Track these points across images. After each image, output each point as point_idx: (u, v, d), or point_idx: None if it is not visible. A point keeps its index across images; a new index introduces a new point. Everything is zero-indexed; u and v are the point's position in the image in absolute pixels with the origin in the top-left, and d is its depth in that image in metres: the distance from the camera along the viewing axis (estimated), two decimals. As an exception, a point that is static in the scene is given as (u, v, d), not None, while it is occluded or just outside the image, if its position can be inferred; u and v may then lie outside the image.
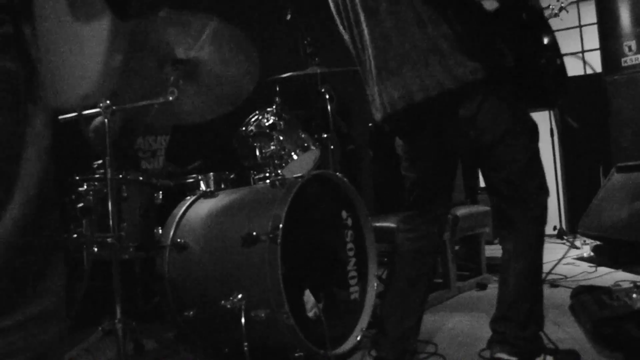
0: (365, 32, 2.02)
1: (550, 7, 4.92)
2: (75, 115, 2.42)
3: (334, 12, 2.19)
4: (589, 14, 5.77)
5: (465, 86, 1.88)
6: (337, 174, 2.68)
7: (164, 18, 2.35)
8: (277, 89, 2.96)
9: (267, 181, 2.61)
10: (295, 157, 2.83)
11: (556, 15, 4.89)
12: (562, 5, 4.86)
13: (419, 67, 1.91)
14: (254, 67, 2.57)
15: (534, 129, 2.04)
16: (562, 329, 2.55)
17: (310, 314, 2.34)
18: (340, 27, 2.19)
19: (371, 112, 2.13)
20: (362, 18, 2.02)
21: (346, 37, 2.18)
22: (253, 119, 2.89)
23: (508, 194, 2.04)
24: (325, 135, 3.28)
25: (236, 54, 2.53)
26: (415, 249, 2.21)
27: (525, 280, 2.05)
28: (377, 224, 3.19)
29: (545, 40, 1.93)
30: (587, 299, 2.63)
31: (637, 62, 4.92)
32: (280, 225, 2.23)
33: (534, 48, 1.93)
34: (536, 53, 1.92)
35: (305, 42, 3.60)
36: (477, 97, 1.91)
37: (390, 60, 1.97)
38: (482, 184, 4.86)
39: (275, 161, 2.76)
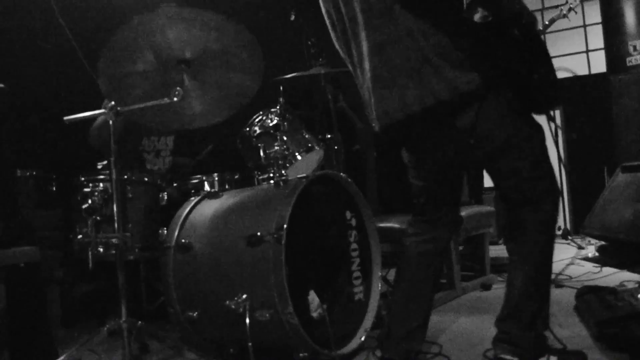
0: (363, 44, 2.04)
1: (560, 8, 4.92)
2: (80, 117, 2.42)
3: (329, 27, 2.21)
4: (594, 13, 5.76)
5: (460, 96, 1.88)
6: (341, 174, 2.68)
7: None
8: (281, 89, 2.97)
9: (271, 181, 2.62)
10: (299, 157, 2.83)
11: (565, 16, 4.90)
12: (571, 6, 4.86)
13: (413, 79, 1.92)
14: (259, 67, 2.58)
15: (537, 132, 2.03)
16: (567, 329, 2.54)
17: (315, 314, 2.34)
18: (336, 43, 2.20)
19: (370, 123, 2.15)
20: (358, 31, 2.04)
21: (342, 53, 2.19)
22: (257, 120, 2.89)
23: (518, 199, 2.04)
24: (329, 136, 3.28)
25: (241, 53, 2.54)
26: (423, 251, 2.21)
27: (534, 282, 2.05)
28: (381, 225, 3.19)
29: (538, 58, 1.94)
30: (592, 299, 2.63)
31: (641, 61, 4.92)
32: (285, 226, 2.23)
33: (525, 63, 1.92)
34: (528, 68, 1.92)
35: (309, 42, 3.60)
36: (473, 107, 1.92)
37: (384, 73, 1.98)
38: (486, 184, 4.87)
39: (279, 161, 2.76)
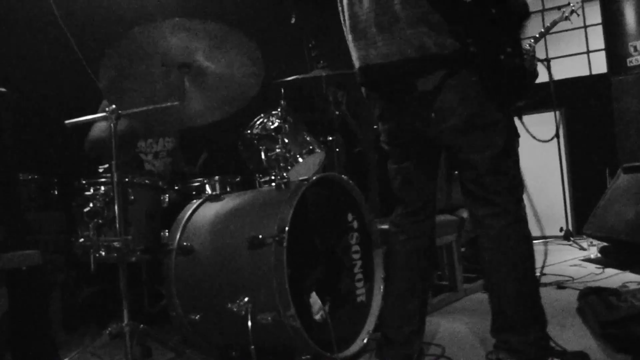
0: None
1: (562, 10, 4.93)
2: (81, 120, 2.43)
3: None
4: (594, 14, 5.76)
5: (428, 57, 1.86)
6: (343, 176, 2.68)
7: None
8: (282, 92, 2.97)
9: (273, 184, 2.62)
10: (300, 159, 2.83)
11: (567, 18, 4.90)
12: (573, 8, 4.86)
13: (384, 34, 1.92)
14: (259, 71, 2.58)
15: (507, 124, 1.97)
16: (569, 330, 2.54)
17: (317, 317, 2.34)
18: None
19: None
20: None
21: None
22: (258, 122, 2.90)
23: (478, 194, 1.99)
24: (330, 138, 3.28)
25: (242, 57, 2.54)
26: (408, 251, 2.19)
27: (517, 287, 1.98)
28: (383, 227, 3.19)
29: (508, 39, 1.90)
30: (594, 300, 2.62)
31: (642, 62, 4.92)
32: (286, 228, 2.23)
33: (495, 43, 1.89)
34: (497, 48, 1.88)
35: (310, 45, 3.61)
36: (439, 72, 1.88)
37: (359, 24, 2.00)
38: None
39: (281, 164, 2.76)
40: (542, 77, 5.10)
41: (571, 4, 4.90)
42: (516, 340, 1.99)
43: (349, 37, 2.11)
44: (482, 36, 1.88)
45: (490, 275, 2.05)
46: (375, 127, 4.27)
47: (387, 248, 2.30)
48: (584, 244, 4.81)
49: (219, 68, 2.57)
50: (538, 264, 2.13)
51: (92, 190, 2.63)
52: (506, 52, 1.88)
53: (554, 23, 4.94)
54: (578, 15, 5.01)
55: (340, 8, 2.16)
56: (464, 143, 1.96)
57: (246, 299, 2.25)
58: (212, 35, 2.42)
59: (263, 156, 2.83)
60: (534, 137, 4.86)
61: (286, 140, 2.80)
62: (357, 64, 2.08)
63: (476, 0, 1.86)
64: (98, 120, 2.60)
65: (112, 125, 2.36)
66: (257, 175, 2.99)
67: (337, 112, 3.66)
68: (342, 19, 2.16)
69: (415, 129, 2.05)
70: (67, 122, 2.43)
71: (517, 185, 2.01)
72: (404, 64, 1.89)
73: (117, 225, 2.35)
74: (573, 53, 6.00)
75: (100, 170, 2.68)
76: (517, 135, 2.05)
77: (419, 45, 1.86)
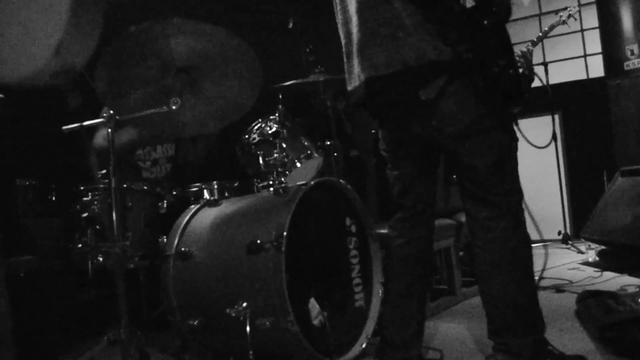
0: (339, 8, 2.09)
1: (559, 15, 4.94)
2: (78, 126, 2.43)
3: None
4: (591, 18, 5.77)
5: (428, 64, 1.87)
6: (341, 181, 2.68)
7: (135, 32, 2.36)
8: (280, 97, 2.97)
9: (271, 189, 2.62)
10: (298, 164, 2.84)
11: (564, 22, 4.92)
12: (570, 13, 4.88)
13: (385, 44, 1.93)
14: (257, 79, 2.59)
15: (506, 128, 1.99)
16: (567, 334, 2.54)
17: (315, 322, 2.34)
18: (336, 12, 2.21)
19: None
20: None
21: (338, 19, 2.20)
22: (256, 127, 2.90)
23: (479, 196, 2.00)
24: (328, 143, 3.29)
25: (239, 66, 2.55)
26: (406, 254, 2.20)
27: (514, 289, 1.99)
28: (381, 231, 3.19)
29: (499, 50, 1.92)
30: (592, 303, 2.62)
31: (639, 65, 4.92)
32: (284, 233, 2.23)
33: (489, 53, 1.91)
34: (491, 59, 1.90)
35: (308, 50, 3.61)
36: (440, 79, 1.89)
37: (359, 34, 2.00)
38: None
39: (279, 169, 2.77)
40: (539, 81, 5.12)
41: (569, 9, 4.92)
42: (515, 343, 1.99)
43: (349, 55, 2.10)
44: (476, 45, 1.89)
45: (489, 277, 2.05)
46: (373, 131, 4.28)
47: (385, 252, 2.30)
48: (582, 248, 4.81)
49: (216, 76, 2.58)
50: (537, 267, 2.13)
51: (90, 196, 2.63)
52: (499, 65, 1.91)
53: (552, 27, 4.95)
54: (575, 19, 5.02)
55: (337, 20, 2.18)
56: (465, 148, 1.97)
57: (245, 304, 2.25)
58: (212, 39, 2.43)
59: (261, 161, 2.83)
60: (530, 143, 4.87)
61: (284, 145, 2.81)
62: (357, 79, 2.06)
63: (470, 9, 1.88)
64: (99, 130, 2.61)
65: (109, 131, 2.37)
66: (255, 180, 3.00)
67: (335, 117, 3.66)
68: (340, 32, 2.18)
69: (415, 135, 2.06)
70: (64, 127, 2.43)
71: (517, 188, 2.03)
72: (406, 73, 1.90)
73: (115, 231, 2.36)
74: (570, 57, 6.01)
75: (98, 176, 2.68)
76: (516, 140, 2.06)
77: (420, 53, 1.87)
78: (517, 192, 2.02)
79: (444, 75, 1.90)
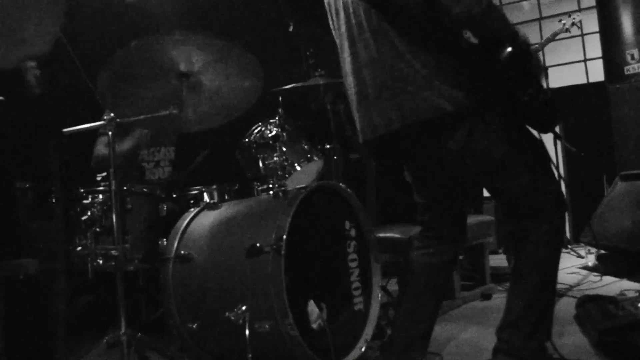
0: (348, 60, 2.08)
1: (563, 22, 4.95)
2: (79, 129, 2.43)
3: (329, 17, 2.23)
4: (591, 22, 5.78)
5: (446, 116, 1.90)
6: (341, 184, 2.68)
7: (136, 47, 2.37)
8: (280, 100, 2.98)
9: (271, 192, 2.62)
10: (298, 168, 2.84)
11: (567, 30, 4.93)
12: (574, 20, 4.90)
13: (396, 97, 1.95)
14: (258, 83, 2.59)
15: (534, 144, 2.03)
16: (567, 338, 2.54)
17: (315, 325, 2.34)
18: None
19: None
20: (346, 46, 2.08)
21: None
22: (256, 130, 2.90)
23: (521, 211, 2.05)
24: (328, 146, 3.29)
25: (241, 70, 2.56)
26: (428, 264, 2.23)
27: (538, 293, 2.04)
28: (381, 235, 3.19)
29: (524, 79, 1.94)
30: (592, 308, 2.62)
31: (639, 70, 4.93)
32: (284, 236, 2.23)
33: (514, 86, 1.93)
34: (517, 90, 1.92)
35: (308, 53, 3.62)
36: (464, 126, 1.93)
37: (369, 89, 2.02)
38: (486, 193, 4.86)
39: (279, 172, 2.77)
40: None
41: (572, 17, 4.93)
42: (518, 344, 2.01)
43: (359, 105, 2.11)
44: (496, 83, 1.91)
45: (521, 277, 2.08)
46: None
47: (406, 259, 2.31)
48: (582, 252, 4.81)
49: (217, 80, 2.59)
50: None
51: (90, 198, 2.64)
52: (529, 93, 1.92)
53: (555, 35, 4.97)
54: (578, 27, 5.04)
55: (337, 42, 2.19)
56: (500, 179, 2.02)
57: (244, 308, 2.25)
58: (213, 49, 2.43)
59: (261, 164, 2.83)
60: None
61: (284, 149, 2.81)
62: (378, 130, 2.05)
63: (479, 46, 1.89)
64: (100, 135, 2.61)
65: (110, 135, 2.37)
66: (255, 183, 3.00)
67: (335, 120, 3.67)
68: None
69: (443, 175, 2.09)
70: (65, 130, 2.43)
71: (559, 199, 2.06)
72: (423, 124, 1.93)
73: (115, 234, 2.36)
74: (570, 61, 6.01)
75: (98, 179, 2.68)
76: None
77: (435, 107, 1.89)
78: (557, 205, 2.05)
79: (467, 124, 1.92)
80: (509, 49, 1.87)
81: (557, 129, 5.48)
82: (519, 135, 2.00)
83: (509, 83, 1.92)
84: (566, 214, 5.40)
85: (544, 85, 2.04)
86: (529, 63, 1.97)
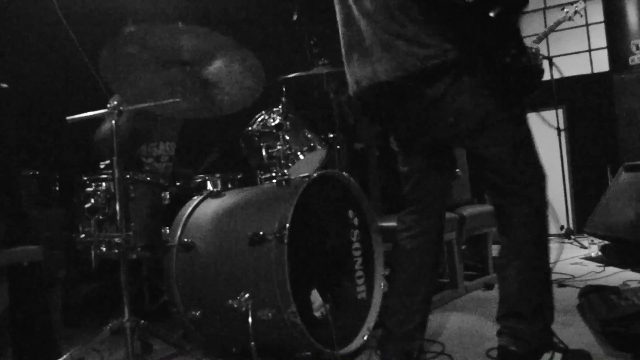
0: (344, 12, 2.12)
1: (565, 10, 4.93)
2: (82, 117, 2.43)
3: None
4: (596, 12, 5.75)
5: (431, 68, 1.89)
6: (344, 173, 2.68)
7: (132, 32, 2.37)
8: (284, 89, 2.97)
9: (274, 181, 2.62)
10: (301, 156, 2.83)
11: (570, 18, 4.91)
12: (577, 9, 4.87)
13: (385, 52, 1.96)
14: (259, 83, 2.61)
15: (520, 117, 2.02)
16: (570, 328, 2.54)
17: (317, 314, 2.35)
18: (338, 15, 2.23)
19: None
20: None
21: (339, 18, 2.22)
22: (259, 119, 2.90)
23: (501, 185, 2.02)
24: (331, 135, 3.28)
25: (243, 69, 2.56)
26: (414, 247, 2.20)
27: (530, 275, 2.02)
28: (384, 224, 3.19)
29: (509, 41, 1.92)
30: (595, 298, 2.62)
31: (644, 60, 4.91)
32: (287, 225, 2.23)
33: (498, 46, 1.91)
34: (501, 51, 1.91)
35: (312, 42, 3.61)
36: (446, 78, 1.92)
37: (359, 44, 2.04)
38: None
39: (282, 161, 2.77)
40: (544, 75, 5.10)
41: (575, 5, 4.91)
42: (521, 328, 2.00)
43: (351, 56, 2.13)
44: (482, 41, 1.91)
45: (507, 262, 2.06)
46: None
47: (393, 244, 2.30)
48: (585, 243, 4.81)
49: (218, 73, 2.59)
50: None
51: (93, 186, 2.64)
52: (511, 54, 1.91)
53: (558, 23, 4.94)
54: (581, 16, 5.01)
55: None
56: (481, 141, 2.00)
57: (247, 296, 2.25)
58: (217, 44, 2.43)
59: (264, 153, 2.83)
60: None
61: (287, 138, 2.80)
62: (362, 82, 2.08)
63: (473, 3, 1.88)
64: (103, 120, 2.60)
65: (113, 121, 2.37)
66: (258, 172, 2.99)
67: (338, 109, 3.66)
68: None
69: (428, 132, 2.07)
70: (69, 118, 2.43)
71: (538, 175, 2.03)
72: (409, 78, 1.93)
73: (118, 222, 2.36)
74: (575, 51, 5.99)
75: (102, 167, 2.68)
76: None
77: (422, 58, 1.90)
78: (537, 180, 2.02)
79: (448, 77, 1.91)
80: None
81: (560, 122, 5.51)
82: (503, 102, 1.97)
83: (494, 42, 1.91)
84: (570, 205, 5.47)
85: (527, 49, 2.02)
86: (515, 24, 1.97)
